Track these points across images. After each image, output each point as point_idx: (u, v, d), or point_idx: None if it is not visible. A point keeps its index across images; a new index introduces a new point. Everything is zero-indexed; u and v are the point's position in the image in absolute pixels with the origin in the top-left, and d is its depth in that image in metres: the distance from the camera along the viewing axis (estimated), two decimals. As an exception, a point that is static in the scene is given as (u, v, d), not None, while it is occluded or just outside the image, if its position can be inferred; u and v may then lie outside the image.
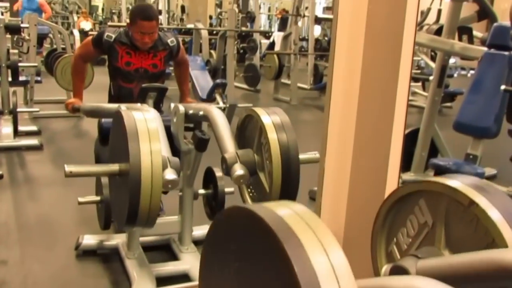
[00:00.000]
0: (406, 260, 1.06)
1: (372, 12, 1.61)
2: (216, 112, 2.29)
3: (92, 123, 5.78)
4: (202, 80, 6.62)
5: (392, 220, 1.22)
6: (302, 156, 2.03)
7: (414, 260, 1.04)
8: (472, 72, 13.59)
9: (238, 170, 1.96)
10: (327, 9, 18.11)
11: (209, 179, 2.81)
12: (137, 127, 1.88)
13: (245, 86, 9.12)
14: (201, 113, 2.39)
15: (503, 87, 3.27)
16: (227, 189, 2.73)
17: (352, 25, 1.63)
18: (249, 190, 2.16)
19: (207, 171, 2.83)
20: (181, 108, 2.51)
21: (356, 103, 1.64)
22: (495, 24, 3.59)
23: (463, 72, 12.15)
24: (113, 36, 3.00)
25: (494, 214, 0.96)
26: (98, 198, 2.57)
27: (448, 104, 7.81)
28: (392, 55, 1.56)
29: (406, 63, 1.54)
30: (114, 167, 1.99)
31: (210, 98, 5.62)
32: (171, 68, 5.57)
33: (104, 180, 2.51)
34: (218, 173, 2.72)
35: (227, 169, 1.99)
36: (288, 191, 1.91)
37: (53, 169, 4.59)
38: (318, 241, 0.72)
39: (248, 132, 2.16)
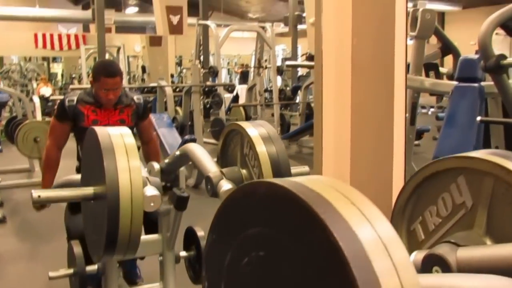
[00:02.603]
0: (442, 247, 0.92)
1: (357, 47, 1.53)
2: (192, 145, 2.17)
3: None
4: (170, 137, 6.51)
5: (420, 196, 1.10)
6: (292, 171, 1.93)
7: (452, 248, 0.91)
8: (432, 110, 13.93)
9: (225, 185, 1.81)
10: (285, 59, 18.43)
11: (191, 239, 2.64)
12: (113, 143, 1.71)
13: (213, 140, 9.02)
14: (177, 153, 2.26)
15: (479, 118, 3.25)
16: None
17: (338, 60, 1.55)
18: None
19: (188, 231, 2.66)
20: (156, 165, 2.37)
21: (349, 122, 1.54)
22: (461, 58, 3.61)
23: (423, 111, 12.38)
24: (75, 98, 2.87)
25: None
26: (71, 271, 2.36)
27: (416, 142, 7.87)
28: (383, 90, 1.47)
29: (399, 98, 1.45)
30: (88, 190, 1.80)
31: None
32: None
33: (78, 250, 2.31)
34: (200, 232, 2.56)
35: (213, 188, 1.84)
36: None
37: (18, 242, 4.33)
38: (361, 213, 0.59)
39: (231, 149, 2.04)
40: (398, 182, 1.46)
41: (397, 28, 1.47)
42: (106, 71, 2.82)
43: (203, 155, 2.04)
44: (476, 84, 3.45)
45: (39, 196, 1.80)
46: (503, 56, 2.90)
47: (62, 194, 1.92)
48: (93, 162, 1.80)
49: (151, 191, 1.78)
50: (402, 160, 1.45)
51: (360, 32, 1.55)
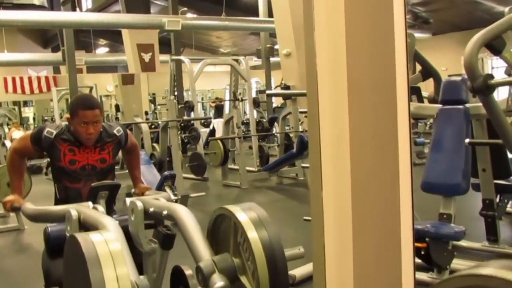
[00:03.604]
0: None
1: (353, 67, 1.44)
2: (183, 212, 2.05)
3: (35, 235, 5.36)
4: (149, 174, 6.35)
5: None
6: (286, 253, 1.85)
7: None
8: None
9: (218, 282, 1.74)
10: (260, 92, 18.51)
11: (178, 279, 2.48)
12: (97, 252, 1.62)
13: (192, 175, 8.87)
14: (165, 212, 2.13)
15: (467, 140, 3.19)
16: (200, 289, 2.41)
17: (332, 83, 1.45)
18: None
19: (175, 270, 2.50)
20: (139, 204, 2.23)
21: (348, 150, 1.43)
22: (445, 80, 3.58)
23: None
24: (54, 132, 2.73)
25: None
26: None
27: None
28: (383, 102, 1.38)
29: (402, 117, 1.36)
30: None
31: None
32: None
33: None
34: (188, 271, 2.41)
35: (205, 281, 1.78)
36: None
37: (-7, 293, 4.08)
38: None
39: (221, 233, 1.98)
40: (406, 217, 1.35)
41: (397, 45, 1.38)
42: (84, 104, 2.70)
43: (195, 233, 1.96)
44: (461, 106, 3.42)
45: None
46: (490, 76, 2.86)
47: None
48: (76, 272, 1.71)
49: None
50: (410, 197, 1.35)
51: (356, 50, 1.45)
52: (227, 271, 1.78)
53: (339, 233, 1.44)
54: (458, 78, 3.50)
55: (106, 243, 1.66)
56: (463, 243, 4.08)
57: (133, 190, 3.14)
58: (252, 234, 1.74)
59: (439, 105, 3.54)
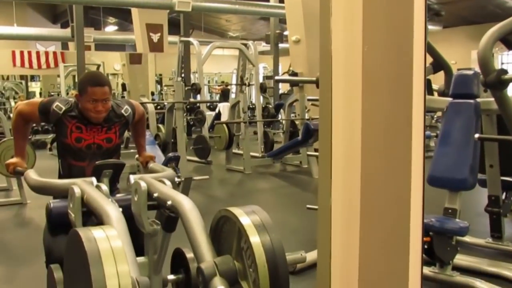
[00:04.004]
0: None
1: (368, 55, 1.40)
2: (188, 206, 2.03)
3: (38, 210, 5.37)
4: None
5: None
6: (287, 257, 1.85)
7: None
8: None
9: (219, 286, 1.74)
10: (267, 78, 18.46)
11: (179, 262, 2.47)
12: (99, 249, 1.61)
13: (196, 158, 8.85)
14: (169, 202, 2.11)
15: (477, 135, 3.15)
16: (201, 272, 2.40)
17: (347, 72, 1.42)
18: None
19: (176, 253, 2.49)
20: (143, 184, 2.20)
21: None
22: (456, 73, 3.53)
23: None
24: (63, 108, 2.69)
25: None
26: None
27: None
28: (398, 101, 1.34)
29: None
30: None
31: (162, 174, 5.32)
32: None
33: (58, 275, 2.13)
34: (189, 254, 2.40)
35: (205, 283, 1.76)
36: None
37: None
38: None
39: (224, 235, 1.96)
40: (416, 212, 1.33)
41: (416, 33, 1.34)
42: (93, 81, 2.66)
43: (198, 230, 1.94)
44: (472, 101, 3.37)
45: None
46: (504, 71, 2.81)
47: None
48: (77, 269, 1.70)
49: None
50: (421, 192, 1.32)
51: (372, 38, 1.42)
52: (228, 275, 1.78)
53: (347, 226, 1.42)
54: (470, 72, 3.45)
55: (108, 239, 1.66)
56: (467, 238, 4.07)
57: (136, 157, 3.13)
58: (255, 240, 1.74)
59: (449, 99, 3.49)
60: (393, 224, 1.37)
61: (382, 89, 1.39)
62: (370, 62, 1.39)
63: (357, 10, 1.38)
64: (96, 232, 1.68)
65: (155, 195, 2.19)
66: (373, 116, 1.39)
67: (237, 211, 1.85)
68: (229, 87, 15.39)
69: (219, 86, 17.13)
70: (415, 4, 1.30)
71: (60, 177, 2.81)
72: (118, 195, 2.60)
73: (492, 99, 3.27)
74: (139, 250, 2.31)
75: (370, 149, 1.40)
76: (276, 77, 11.41)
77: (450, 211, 3.37)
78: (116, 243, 1.65)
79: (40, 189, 2.52)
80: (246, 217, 1.81)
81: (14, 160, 2.77)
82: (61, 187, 2.38)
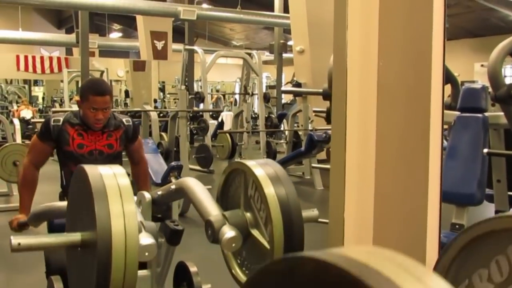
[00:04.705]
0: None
1: (384, 70, 1.37)
2: (189, 180, 1.99)
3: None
4: (155, 163, 6.30)
5: (468, 256, 0.96)
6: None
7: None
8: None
9: (228, 231, 1.63)
10: (270, 87, 18.49)
11: (182, 276, 2.43)
12: (105, 184, 1.50)
13: (198, 167, 8.82)
14: (172, 187, 2.07)
15: (485, 150, 3.12)
16: (204, 286, 2.36)
17: (362, 86, 1.39)
18: (238, 259, 1.83)
19: (179, 266, 2.45)
20: (147, 195, 2.17)
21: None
22: (464, 87, 3.50)
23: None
24: (61, 118, 2.70)
25: None
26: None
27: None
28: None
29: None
30: (75, 236, 1.56)
31: (165, 182, 5.30)
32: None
33: (59, 286, 2.09)
34: (193, 268, 2.36)
35: (214, 235, 1.66)
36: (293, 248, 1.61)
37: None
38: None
39: (233, 190, 1.86)
40: (433, 230, 1.29)
41: (435, 48, 1.30)
42: (95, 89, 2.65)
43: (203, 194, 1.87)
44: (480, 115, 3.34)
45: (19, 244, 1.57)
46: (514, 86, 2.79)
47: (44, 241, 1.68)
48: (81, 205, 1.60)
49: (146, 239, 1.58)
50: (438, 206, 1.28)
51: (388, 53, 1.39)
52: (239, 225, 1.68)
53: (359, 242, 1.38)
54: (478, 86, 3.42)
55: (115, 177, 1.54)
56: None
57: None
58: (269, 189, 1.62)
59: (457, 112, 3.46)
60: (408, 243, 1.33)
61: (398, 104, 1.36)
62: (385, 76, 1.36)
63: (373, 25, 1.35)
64: (103, 169, 1.57)
65: (159, 193, 2.13)
66: (388, 131, 1.36)
67: (249, 162, 1.73)
68: (232, 96, 15.39)
69: (215, 94, 17.13)
70: (434, 19, 1.27)
71: (63, 187, 2.79)
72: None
73: (501, 113, 3.24)
74: (142, 263, 2.27)
75: (385, 165, 1.36)
76: (282, 88, 11.42)
77: (457, 226, 3.32)
78: (124, 181, 1.54)
79: (43, 218, 2.49)
80: (260, 168, 1.69)
81: (17, 215, 2.71)
82: (62, 209, 2.31)
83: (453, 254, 1.00)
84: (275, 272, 0.54)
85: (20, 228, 2.67)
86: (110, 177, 1.55)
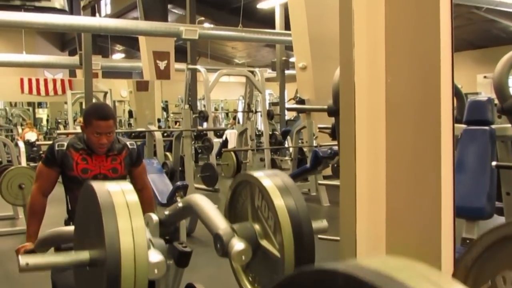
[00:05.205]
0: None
1: (392, 87, 1.36)
2: (196, 196, 1.97)
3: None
4: (160, 184, 6.29)
5: (493, 257, 0.93)
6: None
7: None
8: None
9: (237, 243, 1.60)
10: (273, 104, 18.50)
11: (191, 297, 2.40)
12: (113, 201, 1.49)
13: (203, 186, 8.80)
14: (180, 205, 2.05)
15: (494, 163, 3.09)
16: (214, 308, 2.33)
17: (370, 104, 1.37)
18: (249, 275, 1.80)
19: (188, 288, 2.43)
20: (154, 217, 2.14)
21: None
22: (470, 100, 3.49)
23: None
24: (65, 143, 2.69)
25: None
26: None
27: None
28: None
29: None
30: (83, 255, 1.54)
31: (171, 202, 5.28)
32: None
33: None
34: (201, 289, 2.33)
35: (223, 248, 1.62)
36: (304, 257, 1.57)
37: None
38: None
39: (240, 203, 1.83)
40: (447, 246, 1.26)
41: (443, 63, 1.29)
42: (98, 114, 2.65)
43: (210, 209, 1.85)
44: (487, 127, 3.32)
45: (27, 264, 1.55)
46: (521, 98, 2.77)
47: (52, 260, 1.66)
48: (89, 222, 1.58)
49: (155, 256, 1.55)
50: (451, 221, 1.26)
51: (395, 70, 1.37)
52: (248, 238, 1.66)
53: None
54: (484, 98, 3.41)
55: (123, 193, 1.53)
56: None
57: None
58: (278, 200, 1.58)
59: (463, 125, 3.44)
60: (423, 259, 1.30)
61: (408, 119, 1.34)
62: (393, 93, 1.35)
63: (380, 41, 1.34)
64: (111, 186, 1.57)
65: (166, 213, 2.12)
66: (398, 146, 1.34)
67: (257, 173, 1.71)
68: (232, 116, 15.38)
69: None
70: (442, 33, 1.26)
71: (69, 212, 2.77)
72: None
73: (508, 125, 3.22)
74: (150, 285, 2.24)
75: (396, 181, 1.34)
76: (287, 106, 11.42)
77: (468, 241, 3.29)
78: (132, 197, 1.53)
79: (50, 244, 2.46)
80: (268, 180, 1.65)
81: (24, 244, 2.68)
82: (68, 233, 2.29)
83: (476, 253, 0.98)
84: (303, 285, 0.53)
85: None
86: (118, 193, 1.54)
